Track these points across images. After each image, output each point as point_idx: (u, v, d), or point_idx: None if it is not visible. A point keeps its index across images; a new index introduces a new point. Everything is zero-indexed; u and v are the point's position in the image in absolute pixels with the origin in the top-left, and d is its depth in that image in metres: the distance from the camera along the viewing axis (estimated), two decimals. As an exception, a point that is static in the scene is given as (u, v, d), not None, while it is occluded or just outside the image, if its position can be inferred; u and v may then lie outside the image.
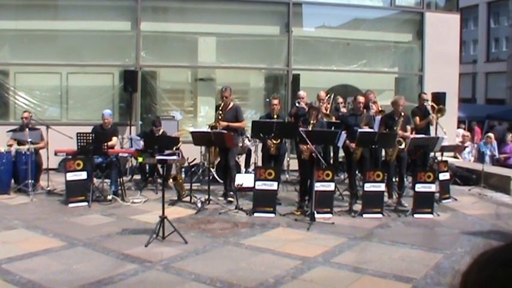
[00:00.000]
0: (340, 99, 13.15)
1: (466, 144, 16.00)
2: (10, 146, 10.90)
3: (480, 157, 15.25)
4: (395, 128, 10.06)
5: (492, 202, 11.26)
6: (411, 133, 10.41)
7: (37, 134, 11.08)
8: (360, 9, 16.54)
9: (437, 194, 10.51)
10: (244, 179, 11.20)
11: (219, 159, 11.45)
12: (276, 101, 10.59)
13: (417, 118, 11.42)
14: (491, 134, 17.33)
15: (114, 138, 11.17)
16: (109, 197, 10.34)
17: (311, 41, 16.12)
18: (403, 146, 9.91)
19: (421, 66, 16.39)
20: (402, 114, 10.18)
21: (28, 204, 9.95)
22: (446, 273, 6.37)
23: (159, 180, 11.16)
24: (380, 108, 11.73)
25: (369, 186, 9.53)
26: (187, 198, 10.37)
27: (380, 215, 9.46)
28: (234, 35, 15.53)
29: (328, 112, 12.36)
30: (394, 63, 17.00)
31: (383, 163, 10.67)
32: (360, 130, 9.63)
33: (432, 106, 11.89)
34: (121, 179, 10.79)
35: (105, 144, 10.35)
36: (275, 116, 10.36)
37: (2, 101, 14.58)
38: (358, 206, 9.79)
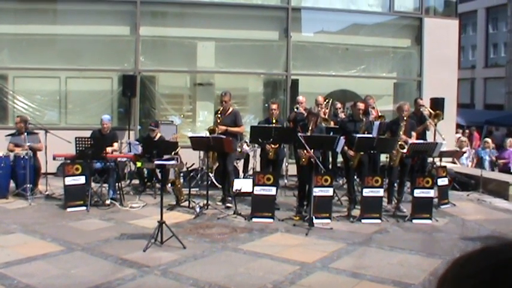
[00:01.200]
0: (339, 105, 13.16)
1: (464, 150, 16.00)
2: (11, 151, 10.90)
3: (479, 162, 15.27)
4: (400, 132, 10.06)
5: (490, 208, 11.27)
6: (416, 139, 10.41)
7: (35, 138, 11.07)
8: (358, 14, 16.55)
9: (435, 200, 10.50)
10: (242, 184, 11.18)
11: (217, 164, 11.45)
12: (274, 106, 10.59)
13: None
14: (488, 139, 17.35)
15: (115, 144, 11.18)
16: (107, 202, 10.33)
17: (310, 46, 16.14)
18: (405, 150, 9.90)
19: (419, 72, 16.41)
20: (405, 119, 10.18)
21: (26, 209, 9.94)
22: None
23: (158, 185, 11.16)
24: (379, 114, 11.73)
25: (367, 192, 9.53)
26: (186, 203, 10.36)
27: (378, 220, 9.46)
28: (233, 40, 15.54)
29: (326, 117, 12.36)
30: (393, 69, 17.03)
31: (384, 168, 10.67)
32: (358, 135, 9.63)
33: (429, 111, 11.90)
34: (119, 184, 10.79)
35: (104, 149, 10.34)
36: (274, 121, 10.37)
37: (1, 105, 14.57)
38: (356, 211, 9.79)
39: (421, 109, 11.67)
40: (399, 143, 9.92)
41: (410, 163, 10.45)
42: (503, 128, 27.72)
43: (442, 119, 12.32)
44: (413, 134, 10.38)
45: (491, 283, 0.93)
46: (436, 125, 11.76)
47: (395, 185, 10.67)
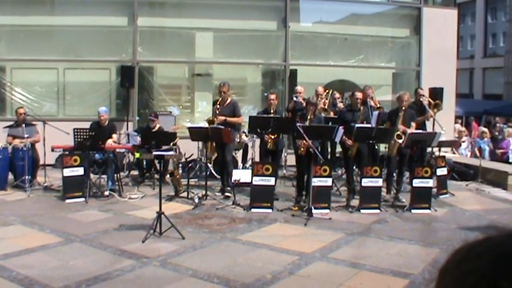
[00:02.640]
0: (337, 95, 13.13)
1: (462, 140, 16.01)
2: (10, 144, 10.88)
3: (478, 152, 15.27)
4: (398, 122, 10.03)
5: (489, 197, 11.27)
6: (416, 129, 10.39)
7: (33, 130, 11.06)
8: (357, 4, 16.51)
9: (434, 189, 10.50)
10: (241, 175, 11.19)
11: (216, 154, 11.44)
12: (273, 96, 10.55)
13: None
14: (485, 129, 17.39)
15: (114, 136, 11.15)
16: (106, 193, 10.32)
17: (308, 36, 16.10)
18: (401, 140, 9.88)
19: (418, 62, 16.38)
20: (403, 109, 10.15)
21: (25, 200, 9.93)
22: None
23: (156, 176, 11.15)
24: (378, 105, 11.71)
25: (366, 182, 9.52)
26: (185, 194, 10.36)
27: (377, 211, 9.46)
28: (232, 30, 15.49)
29: (326, 107, 12.34)
30: (392, 59, 17.00)
31: (383, 158, 10.66)
32: (357, 125, 9.62)
33: (429, 101, 11.88)
34: (118, 175, 10.77)
35: (103, 141, 10.33)
36: (272, 112, 10.34)
37: (-1, 96, 14.57)
38: (355, 202, 9.79)
39: (421, 99, 11.65)
40: (397, 133, 9.91)
41: (408, 153, 10.44)
42: (501, 117, 27.70)
43: (441, 109, 12.30)
44: (413, 124, 10.35)
45: (494, 277, 0.92)
46: (435, 114, 11.74)
47: (394, 175, 10.66)
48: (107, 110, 11.38)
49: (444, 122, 11.97)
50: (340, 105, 12.57)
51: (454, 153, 15.04)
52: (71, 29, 14.60)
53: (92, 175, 10.51)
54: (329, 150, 12.56)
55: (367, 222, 8.72)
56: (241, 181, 10.94)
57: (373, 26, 16.44)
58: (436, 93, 13.49)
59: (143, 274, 6.10)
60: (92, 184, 10.32)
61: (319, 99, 11.71)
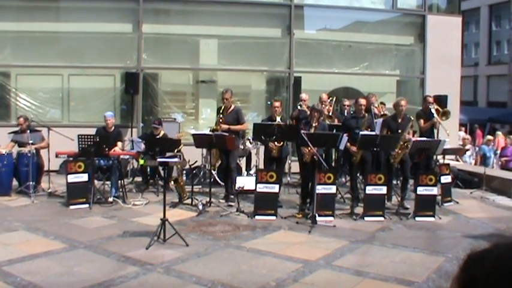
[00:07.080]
0: (347, 102, 13.10)
1: (467, 147, 15.98)
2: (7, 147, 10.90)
3: (482, 160, 15.24)
4: (399, 131, 10.02)
5: (493, 205, 11.24)
6: (413, 136, 10.40)
7: (38, 136, 11.08)
8: (361, 11, 16.53)
9: (439, 197, 10.48)
10: (245, 182, 11.18)
11: (220, 161, 11.44)
12: (278, 104, 10.51)
13: (421, 121, 11.48)
14: (490, 136, 17.39)
15: (119, 144, 11.12)
16: (110, 199, 10.32)
17: (313, 44, 16.11)
18: (407, 150, 9.89)
19: (422, 69, 16.38)
20: (402, 117, 10.11)
21: (29, 206, 9.94)
22: (448, 276, 6.35)
23: (160, 183, 11.16)
24: (382, 112, 11.70)
25: (370, 189, 9.50)
26: (189, 201, 10.36)
27: (382, 218, 9.44)
28: (236, 37, 15.52)
29: (330, 114, 12.33)
30: (396, 66, 17.00)
31: (387, 165, 10.68)
32: (361, 133, 9.61)
33: (437, 109, 11.87)
34: (122, 181, 10.78)
35: (109, 147, 10.35)
36: (278, 119, 10.30)
37: (4, 102, 14.59)
38: (359, 209, 9.77)
39: (430, 106, 11.62)
40: (401, 143, 9.90)
41: (409, 159, 10.42)
42: (506, 125, 27.68)
43: (450, 117, 12.25)
44: (410, 131, 10.34)
45: (503, 284, 0.92)
46: (443, 122, 11.74)
47: (398, 182, 10.64)
48: (113, 114, 11.39)
49: (448, 130, 11.94)
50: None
51: (458, 160, 15.01)
52: (76, 35, 14.66)
53: (96, 181, 10.51)
54: (333, 157, 12.54)
55: (371, 230, 8.70)
56: (245, 188, 10.93)
57: (377, 33, 16.45)
58: (441, 101, 13.46)
59: (147, 281, 6.09)
60: (96, 190, 10.32)
61: (323, 106, 11.70)
